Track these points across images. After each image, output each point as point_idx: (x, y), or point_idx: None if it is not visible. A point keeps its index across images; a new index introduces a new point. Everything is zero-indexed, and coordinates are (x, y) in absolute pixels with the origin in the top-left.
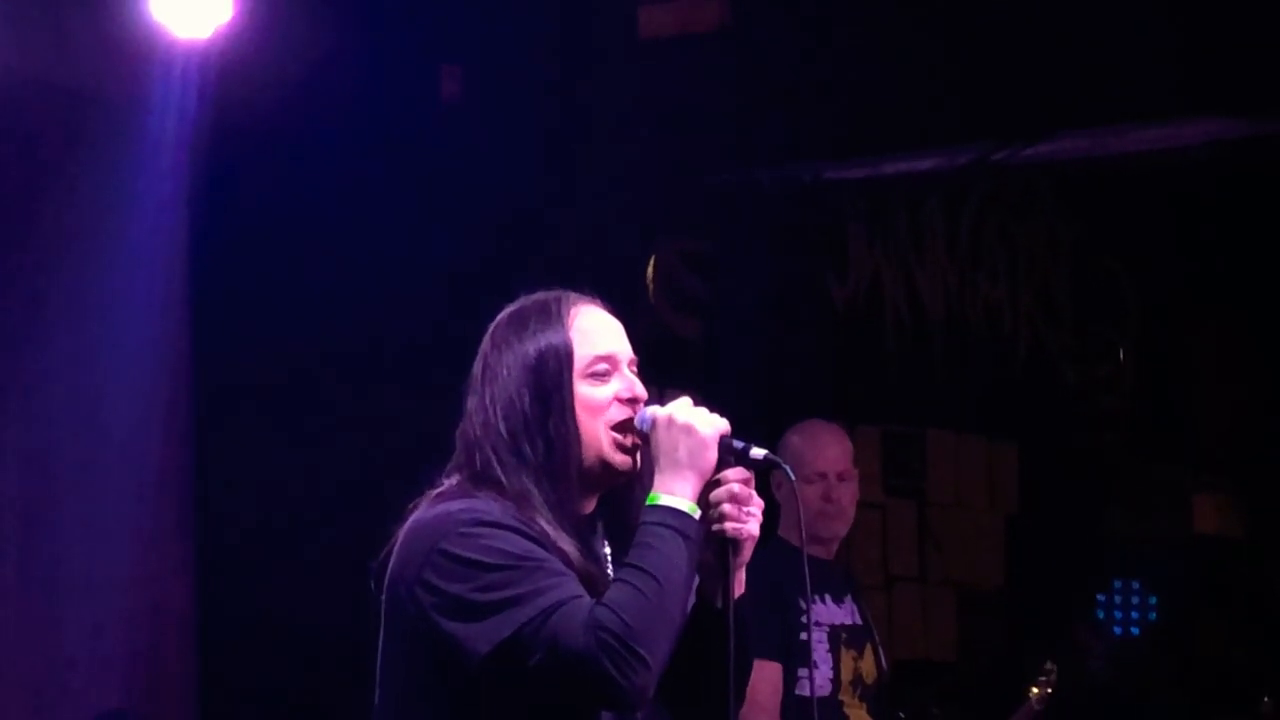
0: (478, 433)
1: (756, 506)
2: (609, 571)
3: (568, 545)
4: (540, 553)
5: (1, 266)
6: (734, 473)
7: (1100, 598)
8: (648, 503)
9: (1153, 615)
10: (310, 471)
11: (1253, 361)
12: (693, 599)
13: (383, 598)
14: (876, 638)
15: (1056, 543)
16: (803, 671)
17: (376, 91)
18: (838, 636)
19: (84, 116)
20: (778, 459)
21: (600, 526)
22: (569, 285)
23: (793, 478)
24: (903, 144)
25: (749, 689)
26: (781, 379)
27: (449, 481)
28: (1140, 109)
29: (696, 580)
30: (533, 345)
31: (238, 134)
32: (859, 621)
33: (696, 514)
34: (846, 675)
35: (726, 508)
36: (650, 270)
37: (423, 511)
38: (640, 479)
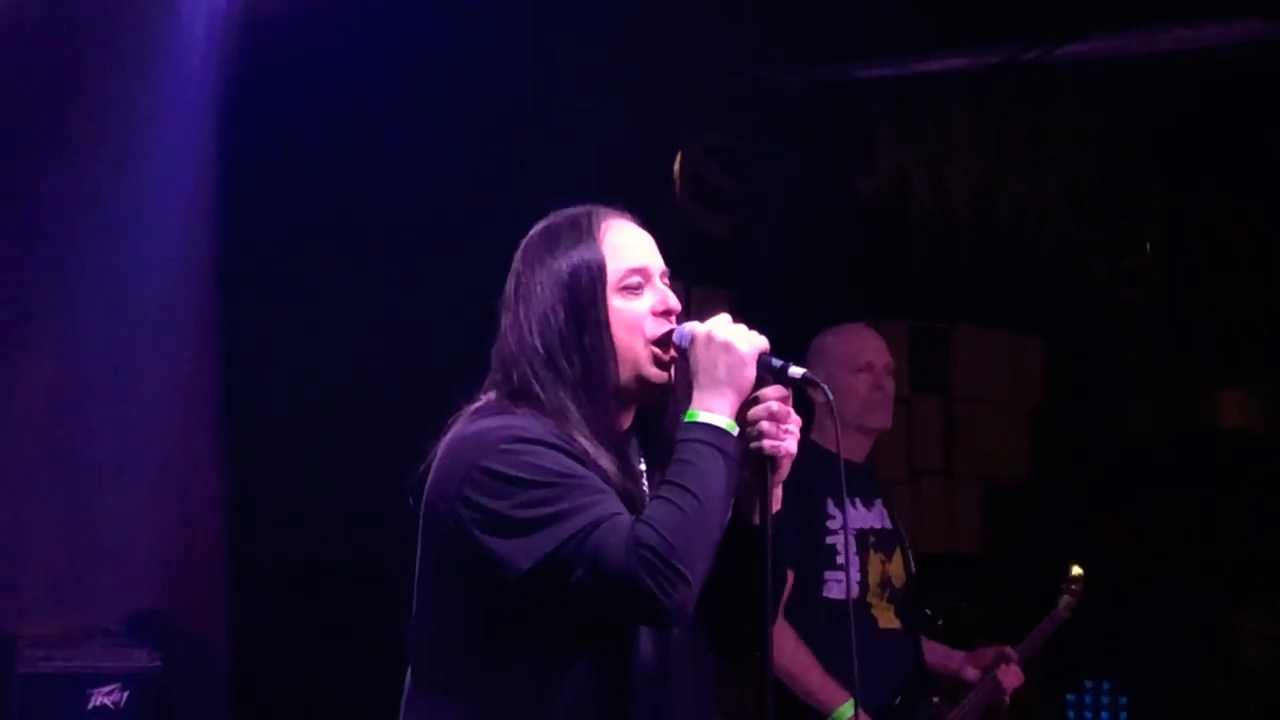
0: (514, 350)
1: (794, 424)
2: (645, 488)
3: (606, 461)
4: (580, 469)
5: (31, 162)
6: (772, 390)
7: (1070, 697)
8: (686, 419)
9: (1123, 715)
10: (340, 363)
11: (1278, 256)
12: (728, 515)
13: (420, 512)
14: (906, 541)
15: (1082, 437)
16: (830, 574)
17: None
18: (866, 540)
19: (112, 15)
20: (815, 378)
21: (636, 442)
22: (597, 185)
23: (830, 395)
24: (932, 43)
25: None
26: (809, 274)
27: (486, 397)
28: (1172, 9)
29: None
30: (565, 261)
31: (267, 29)
32: (888, 525)
33: (735, 431)
34: (874, 578)
35: (765, 425)
36: (677, 167)
37: (461, 427)
38: (674, 394)
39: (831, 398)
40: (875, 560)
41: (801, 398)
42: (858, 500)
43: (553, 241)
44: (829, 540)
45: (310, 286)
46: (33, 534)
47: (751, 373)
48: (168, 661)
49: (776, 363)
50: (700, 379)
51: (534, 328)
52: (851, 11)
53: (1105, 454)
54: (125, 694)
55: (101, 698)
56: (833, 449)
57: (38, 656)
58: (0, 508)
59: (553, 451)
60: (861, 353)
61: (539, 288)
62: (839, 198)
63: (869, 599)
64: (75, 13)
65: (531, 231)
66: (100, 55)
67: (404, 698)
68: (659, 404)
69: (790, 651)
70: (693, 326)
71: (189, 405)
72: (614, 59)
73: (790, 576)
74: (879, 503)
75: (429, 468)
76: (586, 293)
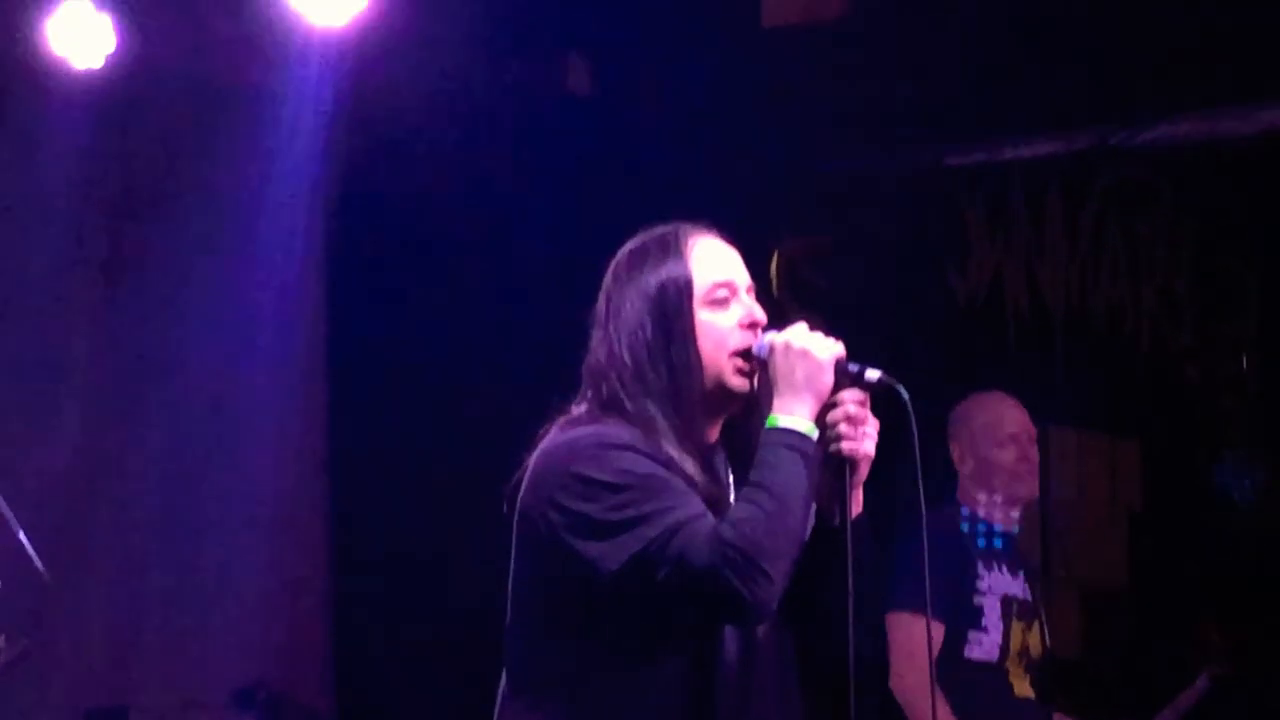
0: (603, 363)
1: (872, 427)
2: (732, 497)
3: (691, 468)
4: (665, 474)
5: (142, 250)
6: (850, 394)
7: None
8: (767, 425)
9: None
10: (446, 440)
11: None
12: (813, 520)
13: (514, 521)
14: (1044, 618)
15: (1180, 540)
16: (974, 634)
17: (506, 81)
18: (1010, 606)
19: (221, 107)
20: (892, 380)
21: (724, 454)
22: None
23: (905, 395)
24: (1022, 128)
25: (907, 644)
26: (904, 374)
27: (577, 410)
28: (1261, 89)
29: (814, 505)
30: (653, 277)
31: (370, 122)
32: (1029, 597)
33: (814, 434)
34: (1015, 645)
35: (843, 428)
36: (774, 265)
37: (552, 437)
38: (759, 407)
39: (908, 397)
40: (1017, 628)
41: (882, 416)
42: (1004, 566)
43: (641, 258)
44: (976, 600)
45: (413, 379)
46: (144, 607)
47: (829, 378)
48: None
49: (853, 367)
50: (780, 386)
51: (623, 341)
52: (941, 98)
53: (1205, 557)
54: None
55: None
56: (983, 515)
57: None
58: (113, 581)
59: (639, 457)
60: (1004, 424)
61: (628, 303)
62: (933, 294)
63: (1007, 664)
64: (184, 102)
65: (621, 251)
66: (208, 146)
67: (498, 702)
68: (744, 417)
69: None
70: (771, 336)
71: (296, 479)
72: (711, 151)
73: (940, 633)
74: (1023, 574)
75: (522, 478)
76: (673, 306)
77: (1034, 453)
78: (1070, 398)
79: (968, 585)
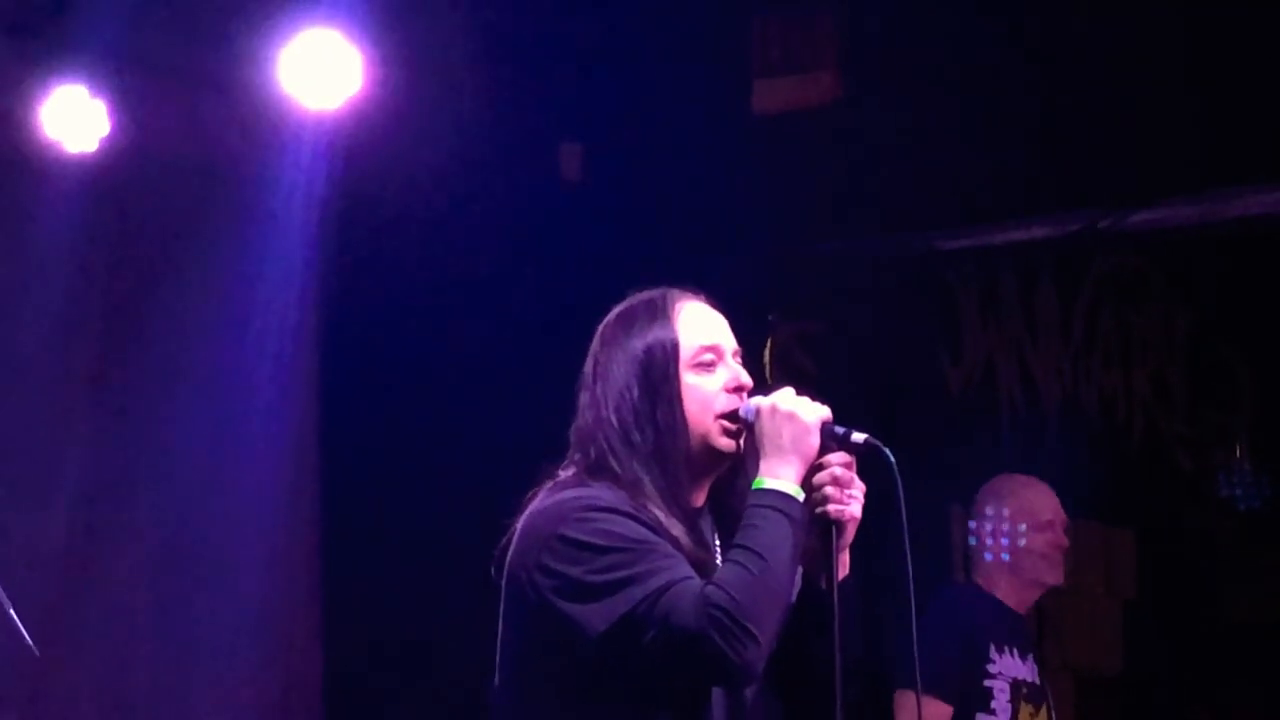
0: (590, 425)
1: (858, 489)
2: (718, 560)
3: (678, 531)
4: (652, 537)
5: (134, 337)
6: (836, 457)
7: None
8: (753, 487)
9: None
10: (430, 516)
11: None
12: (799, 583)
13: (502, 585)
14: (1051, 701)
15: (1175, 628)
16: (982, 716)
17: (499, 167)
18: (1019, 690)
19: (215, 191)
20: (879, 443)
21: (710, 517)
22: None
23: (892, 460)
24: (1012, 213)
25: None
26: (899, 463)
27: (565, 473)
28: (1250, 173)
29: (801, 568)
30: (640, 341)
31: (364, 205)
32: (1037, 681)
33: (800, 496)
34: None
35: (829, 490)
36: (768, 353)
37: (540, 501)
38: (745, 469)
39: (894, 460)
40: (1025, 712)
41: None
42: (1015, 650)
43: (629, 322)
44: (986, 684)
45: (404, 466)
46: (135, 686)
47: (816, 440)
48: None
49: (840, 430)
50: (766, 448)
51: (610, 404)
52: (933, 183)
53: (1199, 646)
54: None
55: None
56: (996, 592)
57: None
58: (104, 660)
59: (626, 519)
60: (1045, 509)
61: (615, 366)
62: (926, 383)
63: None
64: (176, 187)
65: (609, 315)
66: (200, 230)
67: None
68: (730, 481)
69: None
70: (758, 400)
71: (287, 560)
72: (703, 239)
73: (948, 715)
74: (1032, 657)
75: (510, 541)
76: (660, 369)
77: (1066, 540)
78: (1064, 486)
79: (979, 668)
